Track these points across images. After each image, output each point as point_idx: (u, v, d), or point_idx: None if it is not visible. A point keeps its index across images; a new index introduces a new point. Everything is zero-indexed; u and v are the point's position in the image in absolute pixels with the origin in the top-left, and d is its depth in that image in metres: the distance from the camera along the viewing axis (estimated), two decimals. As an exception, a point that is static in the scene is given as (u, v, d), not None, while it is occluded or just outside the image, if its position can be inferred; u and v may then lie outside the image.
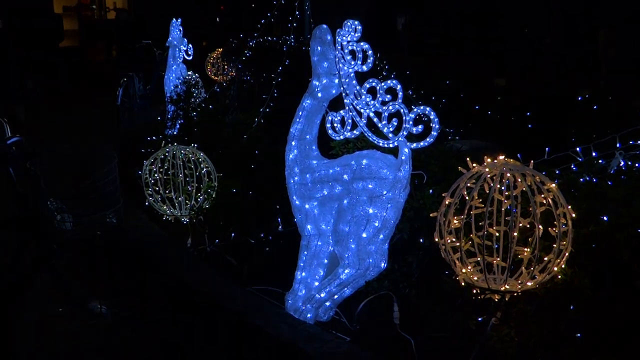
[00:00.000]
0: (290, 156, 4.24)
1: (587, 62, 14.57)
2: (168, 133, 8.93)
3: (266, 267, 4.93)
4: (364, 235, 3.85)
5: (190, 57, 10.65)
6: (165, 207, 5.69)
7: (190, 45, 10.58)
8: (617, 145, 4.19)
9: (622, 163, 3.99)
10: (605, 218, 3.49)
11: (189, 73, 10.44)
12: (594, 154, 4.17)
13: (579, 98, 7.37)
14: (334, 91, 4.10)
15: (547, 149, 4.33)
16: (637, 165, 3.94)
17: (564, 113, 7.74)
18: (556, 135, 6.97)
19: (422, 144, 3.73)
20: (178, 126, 8.92)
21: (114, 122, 10.96)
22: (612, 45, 14.32)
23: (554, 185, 3.14)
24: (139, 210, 6.06)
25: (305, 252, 4.25)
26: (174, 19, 10.05)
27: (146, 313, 4.25)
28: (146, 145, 7.96)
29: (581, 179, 4.24)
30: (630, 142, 4.30)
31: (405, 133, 3.66)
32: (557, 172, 4.03)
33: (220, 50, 12.42)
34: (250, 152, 6.58)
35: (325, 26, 4.05)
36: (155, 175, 5.66)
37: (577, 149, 4.13)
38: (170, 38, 10.22)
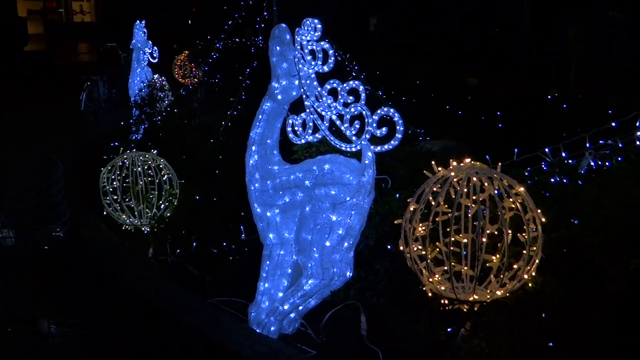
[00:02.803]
0: (251, 162, 4.05)
1: (557, 61, 14.62)
2: (132, 138, 8.67)
3: (230, 277, 4.73)
4: (328, 243, 3.67)
5: (156, 60, 10.38)
6: (124, 216, 5.45)
7: (155, 48, 10.32)
8: (587, 145, 4.07)
9: (593, 163, 3.88)
10: (576, 222, 3.36)
11: (155, 76, 10.17)
12: (563, 154, 4.06)
13: (549, 97, 7.29)
14: (294, 93, 3.91)
15: (515, 149, 4.19)
16: (607, 164, 3.82)
17: (535, 112, 7.66)
18: (527, 135, 6.88)
19: (386, 146, 3.56)
20: (142, 131, 8.67)
21: (77, 128, 10.63)
22: (581, 43, 14.38)
23: (522, 189, 2.99)
24: (98, 220, 5.79)
25: (268, 262, 4.05)
26: (138, 21, 9.76)
27: (99, 330, 4.01)
28: (109, 152, 7.69)
29: (552, 179, 4.12)
30: (600, 142, 4.19)
31: (367, 136, 3.49)
32: (527, 173, 3.90)
33: (187, 52, 12.16)
34: (215, 157, 6.36)
35: (284, 25, 3.86)
36: (114, 183, 5.42)
37: (547, 149, 4.01)
38: (134, 40, 9.94)
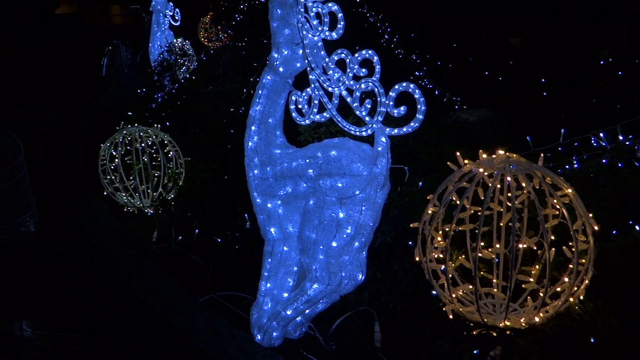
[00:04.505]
0: (250, 144, 3.49)
1: (608, 17, 13.47)
2: (149, 107, 8.21)
3: (234, 269, 4.25)
4: (334, 244, 3.12)
5: (178, 23, 9.88)
6: (125, 197, 5.00)
7: (177, 10, 9.80)
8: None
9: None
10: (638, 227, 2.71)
11: (178, 40, 9.67)
12: (620, 137, 3.36)
13: (602, 62, 6.46)
14: (298, 64, 3.31)
15: (562, 130, 3.52)
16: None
17: (584, 80, 6.86)
18: (575, 108, 6.13)
19: (405, 129, 2.94)
20: (159, 100, 8.19)
21: (95, 95, 10.22)
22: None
23: (570, 190, 2.36)
24: (100, 200, 5.36)
25: (270, 259, 3.53)
26: (157, -19, 9.23)
27: (82, 333, 3.57)
28: (125, 122, 7.25)
29: (603, 160, 3.45)
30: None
31: (380, 118, 2.88)
32: (576, 164, 3.23)
33: (212, 14, 11.57)
34: (227, 131, 5.81)
35: (286, -17, 3.24)
36: (116, 160, 4.96)
37: (601, 134, 3.32)
38: (153, 2, 9.43)
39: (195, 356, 3.34)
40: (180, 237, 4.65)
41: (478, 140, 5.29)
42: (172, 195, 4.99)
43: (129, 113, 7.35)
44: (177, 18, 9.78)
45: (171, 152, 5.02)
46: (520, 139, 4.13)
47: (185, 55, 9.43)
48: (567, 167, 3.23)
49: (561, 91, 6.64)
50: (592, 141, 3.85)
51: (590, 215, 2.41)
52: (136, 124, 5.18)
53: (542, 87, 6.81)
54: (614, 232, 2.77)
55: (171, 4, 9.63)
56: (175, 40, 9.51)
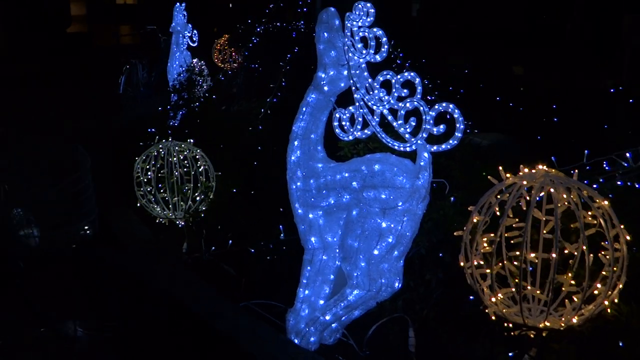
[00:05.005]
0: (293, 158, 3.72)
1: (610, 51, 13.85)
2: (171, 124, 8.45)
3: (267, 279, 4.43)
4: (376, 252, 3.33)
5: (195, 44, 10.15)
6: (158, 208, 5.21)
7: (195, 31, 10.08)
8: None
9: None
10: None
11: (194, 60, 9.94)
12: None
13: (611, 90, 6.75)
14: (342, 84, 3.56)
15: (586, 151, 3.76)
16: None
17: (593, 106, 7.14)
18: (586, 132, 6.39)
19: (444, 146, 3.19)
20: (179, 117, 8.43)
21: (113, 112, 10.46)
22: (638, 32, 13.60)
23: (605, 202, 2.59)
24: (130, 212, 5.56)
25: (309, 268, 3.73)
26: (178, 3, 9.51)
27: (129, 335, 3.75)
28: (145, 138, 7.46)
29: (619, 182, 3.68)
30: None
31: (425, 135, 3.12)
32: (601, 180, 3.47)
33: (227, 36, 11.87)
34: (253, 148, 6.05)
35: (332, 9, 3.50)
36: (149, 173, 5.17)
37: (628, 154, 3.56)
38: (173, 24, 9.70)
39: (239, 355, 3.51)
40: (213, 248, 4.84)
41: (493, 161, 5.53)
42: (204, 208, 5.19)
43: (151, 129, 7.58)
44: (195, 39, 10.06)
45: (202, 167, 5.23)
46: (531, 161, 4.36)
47: (201, 75, 9.70)
48: (594, 185, 3.46)
49: (571, 117, 6.91)
50: (605, 165, 4.10)
51: (622, 226, 2.63)
52: (170, 139, 5.39)
53: (552, 113, 7.07)
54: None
55: (190, 25, 9.92)
56: (192, 61, 9.79)
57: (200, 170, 5.20)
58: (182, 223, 5.26)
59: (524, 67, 12.64)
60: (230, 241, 4.84)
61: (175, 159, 5.15)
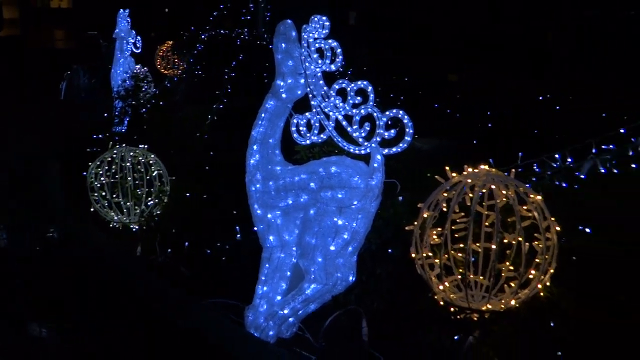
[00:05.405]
0: (252, 161, 3.93)
1: (537, 57, 14.67)
2: (116, 130, 8.47)
3: (223, 279, 4.60)
4: (332, 248, 3.58)
5: (139, 50, 10.16)
6: (112, 213, 5.29)
7: (139, 38, 10.10)
8: (593, 150, 4.02)
9: (603, 170, 3.84)
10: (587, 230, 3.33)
11: (138, 67, 9.95)
12: (569, 159, 4.01)
13: (540, 98, 7.29)
14: (299, 92, 3.80)
15: (520, 154, 4.15)
16: (615, 171, 3.79)
17: (524, 112, 7.67)
18: (517, 135, 6.88)
19: (395, 149, 3.48)
20: (126, 124, 8.46)
21: (56, 119, 10.32)
22: (563, 43, 14.48)
23: (539, 197, 2.93)
24: (84, 217, 5.60)
25: (267, 265, 3.94)
26: (122, 10, 9.52)
27: (95, 332, 3.85)
28: (92, 145, 7.47)
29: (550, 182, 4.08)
30: (603, 147, 4.16)
31: (378, 139, 3.40)
32: (534, 179, 3.85)
33: (171, 43, 11.92)
34: (205, 153, 6.22)
35: (290, 22, 3.74)
36: (102, 179, 5.25)
37: (557, 155, 3.97)
38: (117, 30, 9.70)
39: (205, 348, 3.67)
40: (169, 250, 4.97)
41: (435, 164, 5.90)
42: (158, 212, 5.31)
43: (98, 136, 7.61)
44: (138, 45, 10.07)
45: (156, 172, 5.36)
46: (470, 164, 4.73)
47: (145, 81, 9.74)
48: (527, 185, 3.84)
49: (504, 122, 7.40)
50: (535, 167, 4.51)
51: (553, 218, 2.98)
52: (124, 145, 5.49)
53: (487, 118, 7.55)
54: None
55: (134, 31, 9.93)
56: (137, 67, 9.81)
57: (154, 175, 5.32)
58: (137, 227, 5.36)
59: (459, 75, 13.27)
60: (187, 243, 4.98)
61: (129, 164, 5.25)
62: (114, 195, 5.27)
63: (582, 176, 4.18)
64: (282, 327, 3.92)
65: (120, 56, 9.74)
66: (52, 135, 8.60)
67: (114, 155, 5.28)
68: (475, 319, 3.08)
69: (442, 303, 3.09)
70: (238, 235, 4.70)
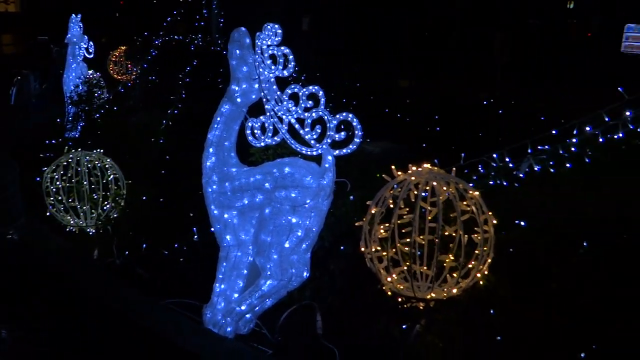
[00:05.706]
0: (208, 163, 4.07)
1: (483, 66, 15.20)
2: (68, 135, 8.43)
3: (181, 279, 4.71)
4: (287, 245, 3.75)
5: (92, 55, 10.11)
6: (68, 217, 5.33)
7: (91, 43, 10.04)
8: (529, 150, 4.32)
9: (537, 168, 4.12)
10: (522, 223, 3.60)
11: (90, 72, 9.91)
12: (507, 159, 4.30)
13: (485, 102, 7.64)
14: (253, 96, 3.97)
15: (462, 154, 4.40)
16: (552, 170, 4.08)
17: (471, 117, 8.01)
18: (463, 138, 7.20)
19: (345, 150, 3.67)
20: (80, 129, 8.44)
21: (6, 123, 10.19)
22: (506, 49, 15.02)
23: (477, 193, 3.18)
24: (39, 221, 5.62)
25: (224, 264, 4.09)
26: (74, 15, 9.47)
27: (53, 333, 3.91)
28: (45, 150, 7.45)
29: (491, 182, 4.36)
30: (539, 147, 4.46)
31: (329, 140, 3.59)
32: (475, 177, 4.12)
33: (124, 48, 11.88)
34: (160, 157, 6.30)
35: (243, 29, 3.91)
36: (57, 183, 5.29)
37: (495, 155, 4.24)
38: (69, 35, 9.63)
39: (166, 346, 3.79)
40: (127, 252, 5.05)
41: (385, 165, 6.16)
42: (115, 215, 5.38)
43: (50, 141, 7.58)
44: (91, 51, 10.02)
45: (112, 176, 5.42)
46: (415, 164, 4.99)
47: (98, 87, 9.70)
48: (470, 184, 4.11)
49: (451, 126, 7.72)
50: (480, 167, 4.79)
51: (490, 213, 3.23)
52: (79, 149, 5.53)
53: (435, 122, 7.85)
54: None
55: (86, 37, 9.88)
56: (89, 72, 9.77)
57: (110, 178, 5.38)
58: (93, 231, 5.41)
59: (409, 80, 13.65)
60: (145, 245, 5.07)
61: (85, 168, 5.30)
62: (70, 200, 5.31)
63: (521, 175, 4.48)
64: (239, 324, 4.07)
65: (73, 61, 9.67)
66: (4, 140, 8.52)
67: (70, 160, 5.32)
68: (421, 307, 3.30)
69: (390, 294, 3.30)
70: (195, 237, 4.82)
